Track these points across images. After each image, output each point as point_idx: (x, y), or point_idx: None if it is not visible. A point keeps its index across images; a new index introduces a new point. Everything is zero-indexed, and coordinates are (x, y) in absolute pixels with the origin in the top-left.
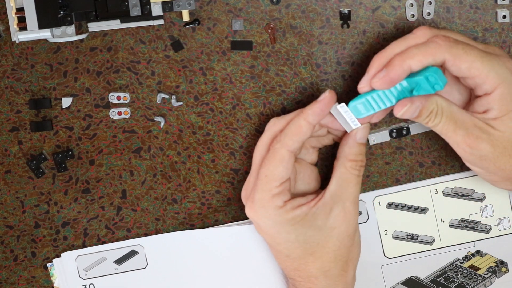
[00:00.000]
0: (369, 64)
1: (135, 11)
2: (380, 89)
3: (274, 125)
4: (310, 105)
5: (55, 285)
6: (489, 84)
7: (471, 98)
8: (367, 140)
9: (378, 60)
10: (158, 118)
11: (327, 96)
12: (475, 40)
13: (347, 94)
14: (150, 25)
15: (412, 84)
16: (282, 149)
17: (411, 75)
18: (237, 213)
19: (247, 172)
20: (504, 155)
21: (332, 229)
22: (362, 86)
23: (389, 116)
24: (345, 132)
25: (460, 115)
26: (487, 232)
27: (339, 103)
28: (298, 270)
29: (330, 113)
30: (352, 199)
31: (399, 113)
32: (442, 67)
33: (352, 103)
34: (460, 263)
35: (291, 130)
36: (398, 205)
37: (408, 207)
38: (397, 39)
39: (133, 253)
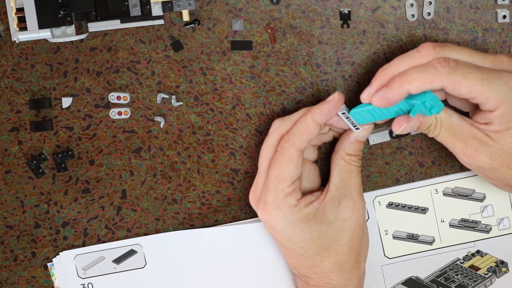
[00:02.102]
0: (373, 77)
1: (135, 11)
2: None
3: (279, 127)
4: (318, 105)
5: (55, 285)
6: (491, 105)
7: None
8: (367, 140)
9: (381, 76)
10: (158, 118)
11: (336, 97)
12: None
13: (347, 94)
14: (150, 25)
15: (410, 106)
16: (290, 148)
17: (410, 96)
18: (237, 213)
19: (247, 172)
20: (502, 167)
21: (344, 221)
22: (364, 98)
23: None
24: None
25: (460, 127)
26: (487, 232)
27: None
28: (313, 267)
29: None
30: (357, 188)
31: (397, 131)
32: (443, 90)
33: (354, 110)
34: (461, 263)
35: (299, 129)
36: (398, 205)
37: (408, 207)
38: (402, 55)
39: (131, 252)
